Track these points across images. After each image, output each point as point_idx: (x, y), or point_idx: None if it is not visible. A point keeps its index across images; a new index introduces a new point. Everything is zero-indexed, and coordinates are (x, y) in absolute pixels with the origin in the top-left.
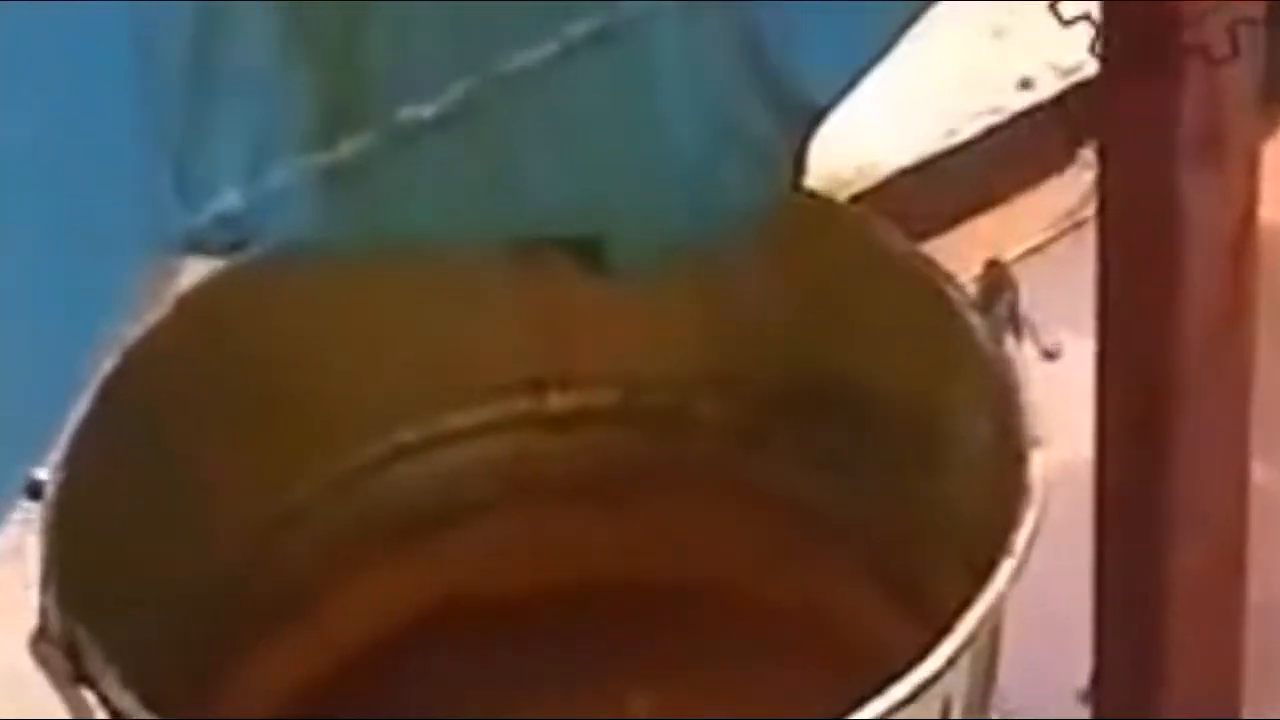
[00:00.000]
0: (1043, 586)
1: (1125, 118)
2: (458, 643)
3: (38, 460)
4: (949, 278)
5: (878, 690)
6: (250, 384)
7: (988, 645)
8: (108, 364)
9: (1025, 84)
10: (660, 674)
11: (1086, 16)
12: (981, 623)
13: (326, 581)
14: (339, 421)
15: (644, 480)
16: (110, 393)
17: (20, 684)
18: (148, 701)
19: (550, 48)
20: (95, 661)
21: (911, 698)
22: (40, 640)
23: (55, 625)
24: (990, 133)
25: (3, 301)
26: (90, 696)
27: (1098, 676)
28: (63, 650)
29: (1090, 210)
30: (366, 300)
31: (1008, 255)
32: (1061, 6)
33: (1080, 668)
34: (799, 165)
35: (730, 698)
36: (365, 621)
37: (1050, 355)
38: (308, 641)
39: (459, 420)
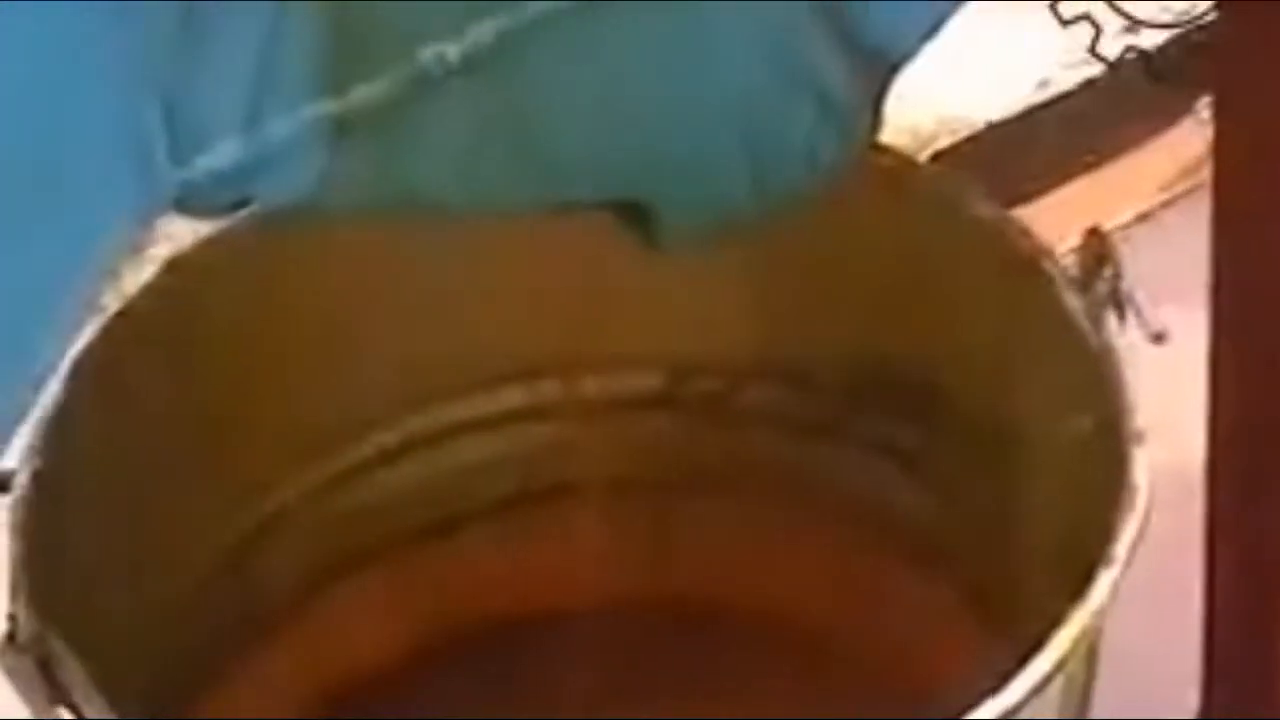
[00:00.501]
0: (1145, 604)
1: (1244, 67)
2: (463, 664)
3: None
4: (1043, 249)
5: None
6: (239, 365)
7: (1082, 670)
8: (83, 339)
9: (1130, 28)
10: (699, 703)
11: (1086, 16)
12: (1074, 644)
13: (312, 597)
14: (339, 409)
15: (688, 477)
16: (85, 371)
17: None
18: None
19: None
20: (69, 673)
21: None
22: (9, 649)
23: (25, 633)
24: (1089, 84)
25: None
26: (63, 713)
27: (1206, 710)
28: (34, 661)
29: (1205, 173)
30: (376, 271)
31: (1110, 224)
32: (1061, 6)
33: (1185, 698)
34: (874, 119)
35: None
36: (359, 638)
37: (1158, 338)
38: (297, 655)
39: (479, 407)
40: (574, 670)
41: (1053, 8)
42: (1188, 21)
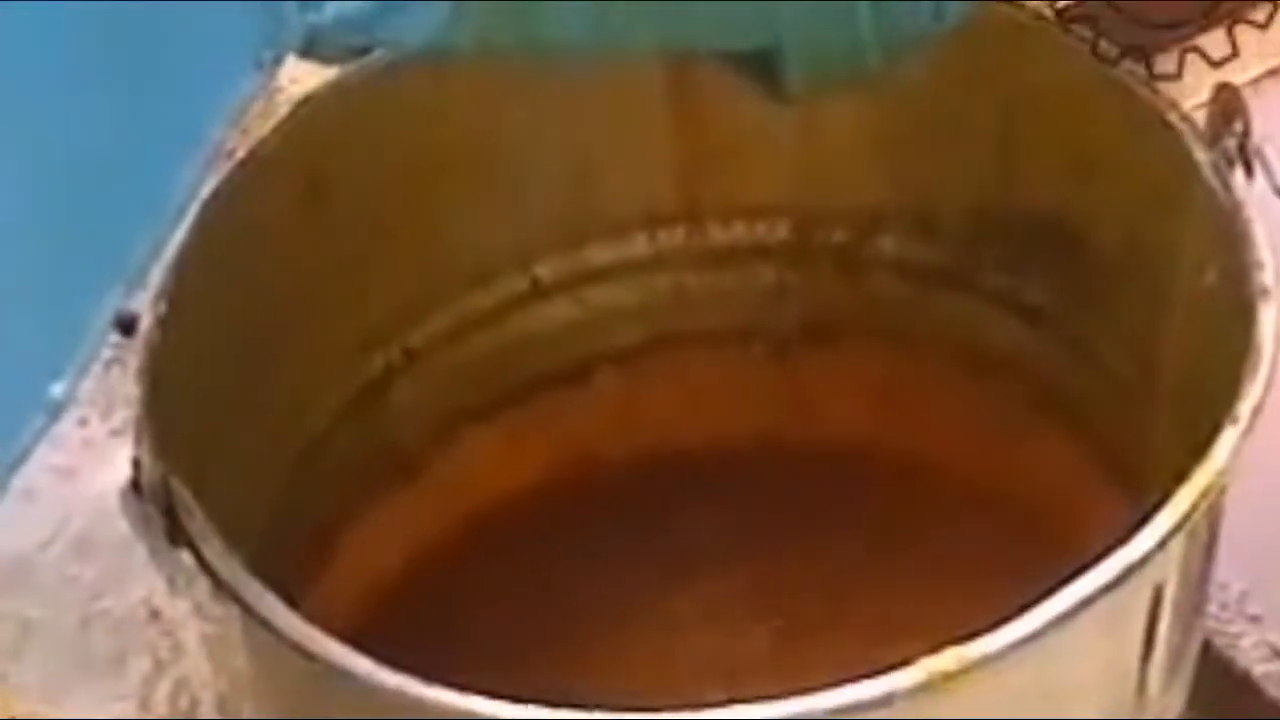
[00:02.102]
0: (1272, 462)
1: None
2: (595, 504)
3: (130, 290)
4: (1171, 103)
5: (1076, 573)
6: (366, 210)
7: (1205, 526)
8: (211, 182)
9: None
10: (832, 545)
11: (1086, 16)
12: (1198, 500)
13: (445, 437)
14: (463, 255)
15: (816, 327)
16: (212, 215)
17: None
18: (253, 567)
19: None
20: (194, 521)
21: (1116, 583)
22: (132, 495)
23: (149, 479)
24: None
25: (91, 103)
26: (188, 559)
27: None
28: (159, 507)
29: None
30: (501, 116)
31: (1240, 78)
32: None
33: None
34: None
35: (914, 575)
36: (490, 480)
37: None
38: (425, 502)
39: (602, 255)
40: (707, 508)
41: (1053, 8)
42: (1187, 21)
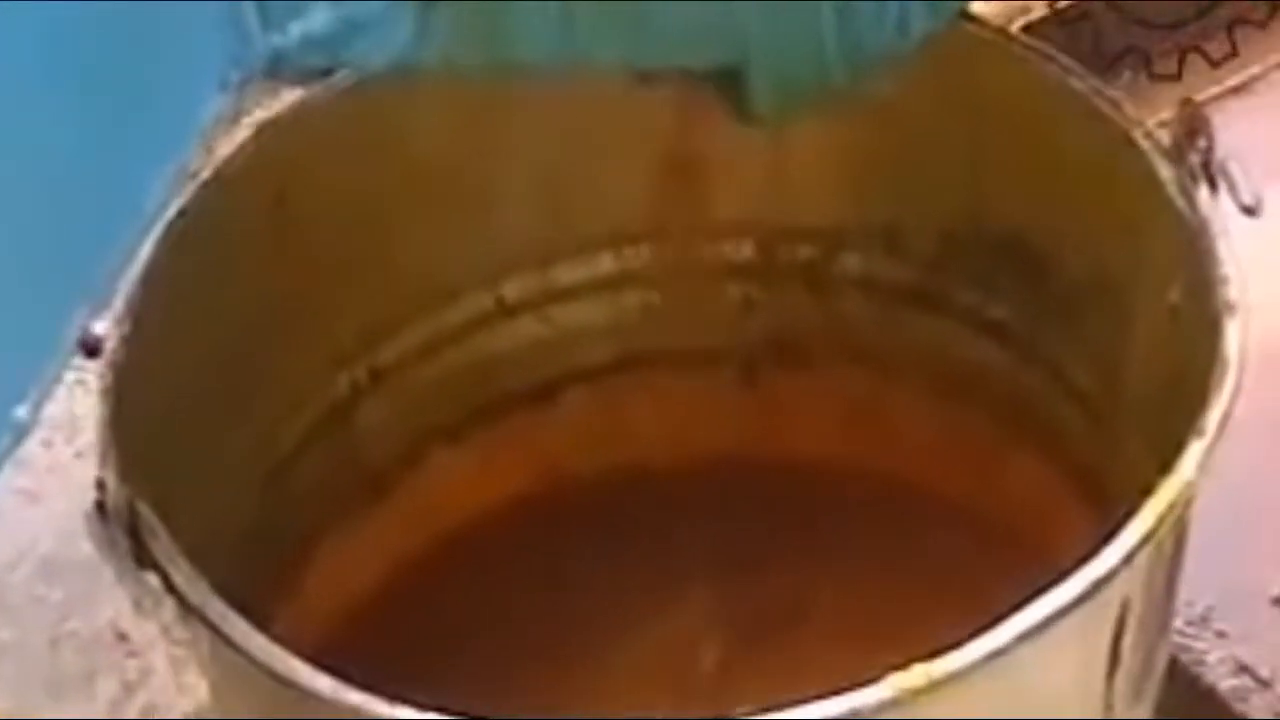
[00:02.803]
0: (1236, 478)
1: None
2: (565, 522)
3: (94, 311)
4: (1135, 119)
5: (1043, 589)
6: (332, 229)
7: (1171, 541)
8: (176, 202)
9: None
10: (802, 562)
11: (1086, 16)
12: (1164, 514)
13: (415, 456)
14: (429, 274)
15: (785, 345)
16: (178, 235)
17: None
18: (222, 588)
19: None
20: (160, 543)
21: (1082, 598)
22: (98, 517)
23: (114, 501)
24: None
25: (59, 123)
26: (154, 581)
27: None
28: (124, 529)
29: None
30: (467, 136)
31: (1204, 95)
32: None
33: (1277, 571)
34: None
35: (883, 592)
36: (460, 499)
37: (1250, 211)
38: (395, 522)
39: (569, 274)
40: (677, 526)
41: (1053, 8)
42: (1187, 21)
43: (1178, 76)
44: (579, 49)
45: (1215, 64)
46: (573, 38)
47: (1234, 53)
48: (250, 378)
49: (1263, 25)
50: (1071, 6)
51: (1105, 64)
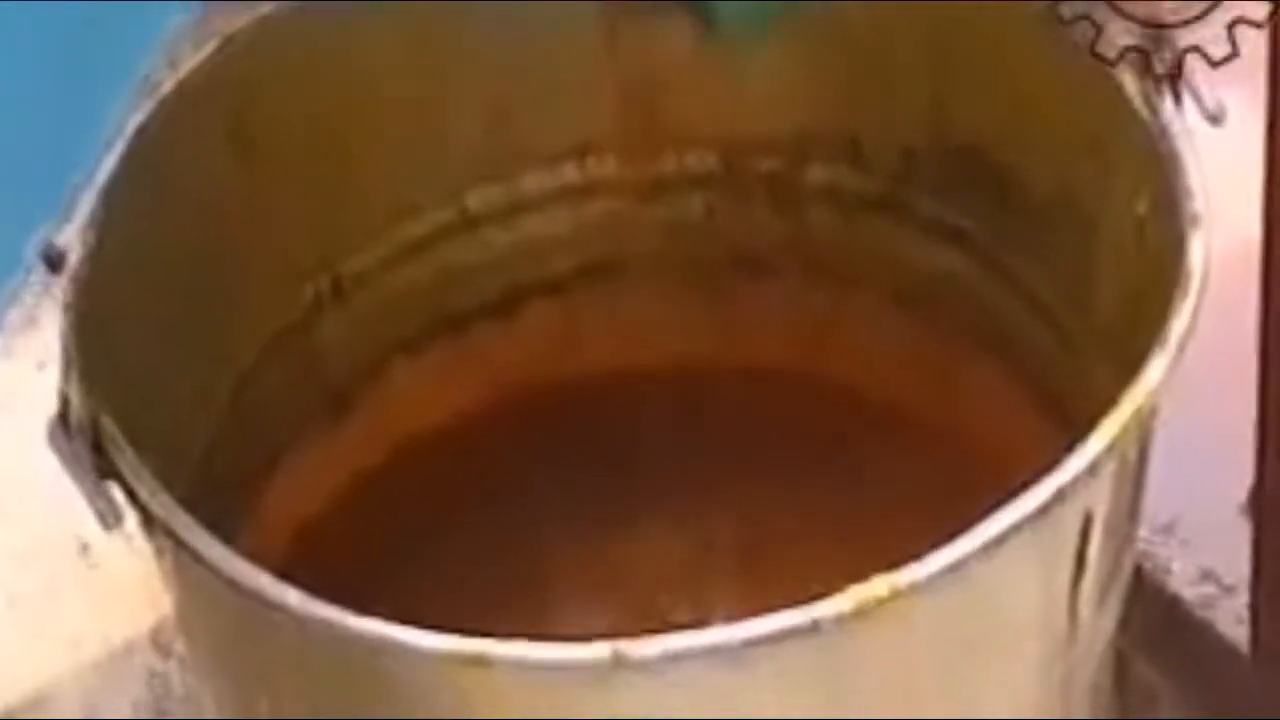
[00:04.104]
0: (1201, 389)
1: None
2: (525, 437)
3: (57, 225)
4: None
5: (1006, 499)
6: (295, 141)
7: (1136, 451)
8: (138, 115)
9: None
10: (765, 474)
11: (1086, 16)
12: (1128, 424)
13: (377, 370)
14: (393, 187)
15: (748, 256)
16: (140, 149)
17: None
18: (185, 503)
19: None
20: (124, 456)
21: (1046, 508)
22: (60, 430)
23: (78, 413)
24: None
25: (20, 36)
26: (118, 494)
27: (1259, 488)
28: (87, 442)
29: None
30: (433, 48)
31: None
32: (1062, 6)
33: (1241, 480)
34: None
35: (846, 503)
36: (423, 412)
37: (1214, 120)
38: (358, 436)
39: (532, 185)
40: (638, 436)
41: (1053, 7)
42: (1187, 21)
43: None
44: None
45: (1215, 64)
46: None
47: (1234, 53)
48: (212, 292)
49: (1263, 25)
50: (1071, 6)
51: (1105, 64)
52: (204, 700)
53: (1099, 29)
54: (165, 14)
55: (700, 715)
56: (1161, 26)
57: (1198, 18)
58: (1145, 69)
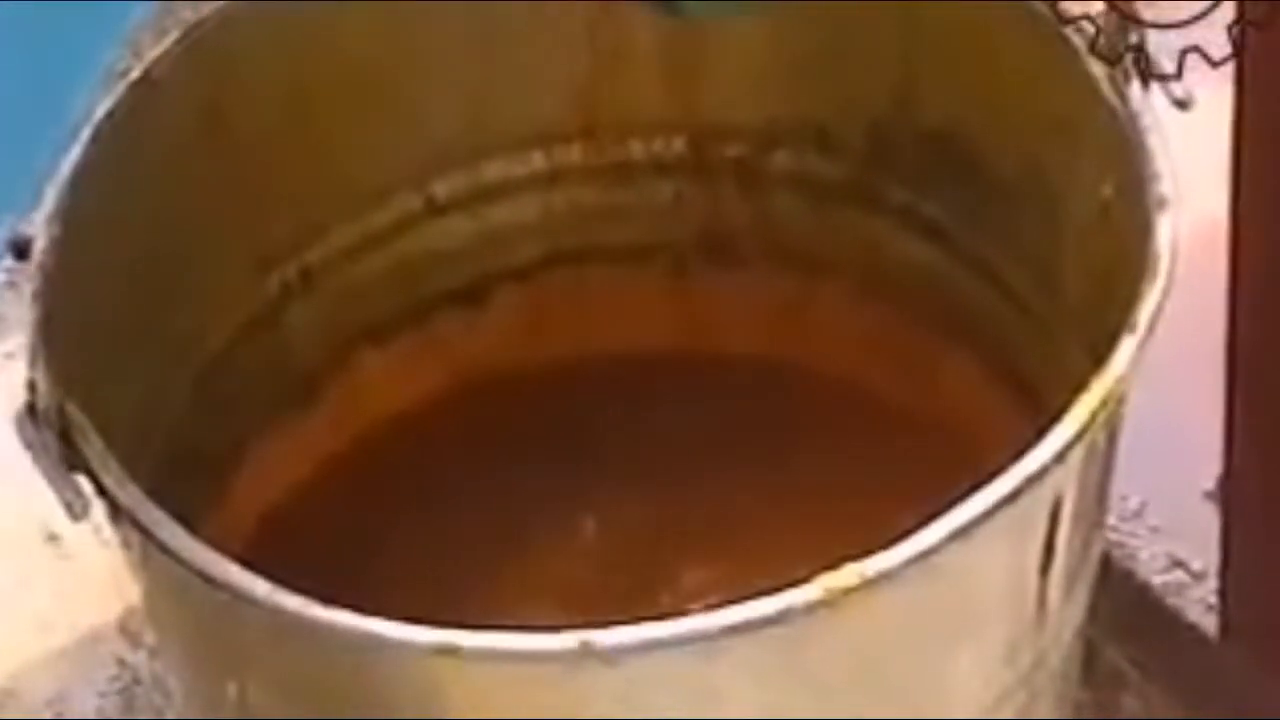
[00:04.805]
0: (1169, 373)
1: None
2: (493, 426)
3: (22, 213)
4: (1067, 14)
5: (975, 488)
6: (260, 130)
7: (1104, 437)
8: (105, 103)
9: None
10: (735, 462)
11: (1086, 16)
12: (1097, 410)
13: (344, 358)
14: (361, 174)
15: (716, 243)
16: (106, 136)
17: None
18: (152, 492)
19: None
20: (91, 445)
21: (1014, 496)
22: (28, 420)
23: (45, 403)
24: None
25: None
26: (85, 484)
27: (1227, 474)
28: (54, 431)
29: None
30: (398, 33)
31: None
32: (1062, 6)
33: (1208, 466)
34: None
35: (815, 493)
36: (390, 400)
37: (1182, 105)
38: (325, 424)
39: (498, 171)
40: (607, 425)
41: (1053, 8)
42: (1187, 21)
43: (1178, 76)
44: None
45: (1215, 64)
46: None
47: (1234, 52)
48: (180, 280)
49: (1262, 25)
50: (1071, 6)
51: (1105, 64)
52: (173, 689)
53: (1098, 29)
54: (130, 2)
55: (669, 703)
56: (1159, 27)
57: (1198, 18)
58: (1114, 54)
